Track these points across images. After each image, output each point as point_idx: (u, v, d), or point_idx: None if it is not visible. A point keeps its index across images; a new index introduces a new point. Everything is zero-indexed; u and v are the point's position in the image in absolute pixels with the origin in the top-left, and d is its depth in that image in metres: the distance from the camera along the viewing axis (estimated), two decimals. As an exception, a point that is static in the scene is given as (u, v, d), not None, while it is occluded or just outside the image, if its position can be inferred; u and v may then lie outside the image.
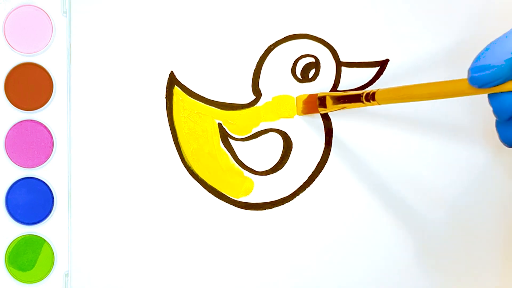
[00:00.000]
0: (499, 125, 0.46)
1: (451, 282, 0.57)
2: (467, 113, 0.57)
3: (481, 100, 0.48)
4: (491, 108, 0.45)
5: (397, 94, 0.48)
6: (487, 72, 0.43)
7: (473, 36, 0.57)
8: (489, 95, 0.45)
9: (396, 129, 0.57)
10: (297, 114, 0.56)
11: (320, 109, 0.55)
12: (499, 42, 0.43)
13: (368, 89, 0.52)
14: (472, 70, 0.44)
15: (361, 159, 0.57)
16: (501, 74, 0.43)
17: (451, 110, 0.57)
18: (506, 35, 0.43)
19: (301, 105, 0.56)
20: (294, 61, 0.56)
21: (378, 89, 0.50)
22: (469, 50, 0.56)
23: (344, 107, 0.53)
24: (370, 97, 0.50)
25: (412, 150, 0.57)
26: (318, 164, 0.57)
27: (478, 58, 0.44)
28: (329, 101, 0.54)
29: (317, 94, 0.55)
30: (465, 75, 0.46)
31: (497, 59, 0.43)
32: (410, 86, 0.48)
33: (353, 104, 0.52)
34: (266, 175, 0.56)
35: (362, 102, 0.51)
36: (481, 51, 0.44)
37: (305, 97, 0.56)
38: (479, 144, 0.57)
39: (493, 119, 0.46)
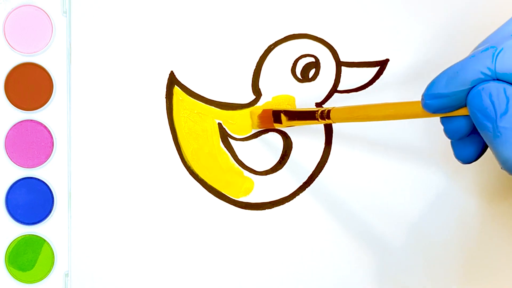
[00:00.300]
0: (453, 143, 0.46)
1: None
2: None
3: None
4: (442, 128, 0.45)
5: (352, 114, 0.48)
6: (440, 100, 0.42)
7: (475, 36, 0.57)
8: (441, 117, 0.45)
9: (396, 129, 0.57)
10: (253, 128, 0.56)
11: (275, 124, 0.54)
12: (456, 69, 0.42)
13: (324, 107, 0.52)
14: (425, 96, 0.43)
15: (361, 159, 0.57)
16: (454, 103, 0.42)
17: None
18: (465, 61, 0.42)
19: (256, 119, 0.55)
20: (294, 61, 0.56)
21: (333, 108, 0.49)
22: (470, 50, 0.56)
23: (299, 124, 0.53)
24: (326, 116, 0.50)
25: (413, 150, 0.57)
26: (318, 164, 0.57)
27: (431, 85, 0.43)
28: (283, 118, 0.53)
29: (271, 109, 0.55)
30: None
31: (451, 88, 0.42)
32: (364, 106, 0.47)
33: (308, 121, 0.52)
34: (266, 175, 0.56)
35: (317, 119, 0.51)
36: (436, 77, 0.43)
37: (260, 111, 0.55)
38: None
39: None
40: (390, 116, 0.46)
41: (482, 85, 0.41)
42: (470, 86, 0.41)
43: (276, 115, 0.54)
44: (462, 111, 0.43)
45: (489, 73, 0.41)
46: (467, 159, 0.45)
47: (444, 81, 0.42)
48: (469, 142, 0.45)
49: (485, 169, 0.57)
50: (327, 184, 0.57)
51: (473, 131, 0.44)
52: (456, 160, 0.45)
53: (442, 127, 0.44)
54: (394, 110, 0.45)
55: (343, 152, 0.57)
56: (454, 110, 0.43)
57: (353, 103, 0.56)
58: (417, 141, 0.57)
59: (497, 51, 0.41)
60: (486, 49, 0.41)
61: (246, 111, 0.56)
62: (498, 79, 0.41)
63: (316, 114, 0.51)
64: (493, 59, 0.41)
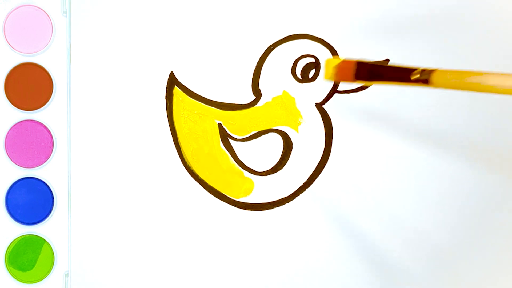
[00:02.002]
0: None
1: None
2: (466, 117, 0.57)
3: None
4: None
5: (462, 78, 0.41)
6: None
7: (476, 37, 0.57)
8: None
9: (396, 129, 0.57)
10: (325, 78, 0.52)
11: (357, 79, 0.48)
12: None
13: (423, 66, 0.45)
14: None
15: (361, 159, 0.57)
16: None
17: (446, 114, 0.57)
18: None
19: (330, 70, 0.51)
20: (294, 61, 0.56)
21: (437, 69, 0.44)
22: (471, 50, 0.56)
23: (386, 83, 0.47)
24: (425, 77, 0.44)
25: (412, 150, 0.57)
26: (318, 164, 0.57)
27: None
28: (370, 72, 0.47)
29: (354, 60, 0.49)
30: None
31: None
32: (478, 73, 0.41)
33: (399, 82, 0.45)
34: (266, 175, 0.56)
35: (411, 81, 0.44)
36: None
37: (338, 61, 0.50)
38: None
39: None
40: (506, 89, 0.40)
41: None
42: None
43: (361, 68, 0.48)
44: None
45: None
46: None
47: None
48: None
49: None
50: (327, 184, 0.57)
51: None
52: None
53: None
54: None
55: (343, 152, 0.57)
56: None
57: (353, 103, 0.56)
58: (417, 141, 0.57)
59: None
60: None
61: (246, 111, 0.56)
62: None
63: (413, 75, 0.44)
64: None
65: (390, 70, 0.46)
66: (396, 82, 0.45)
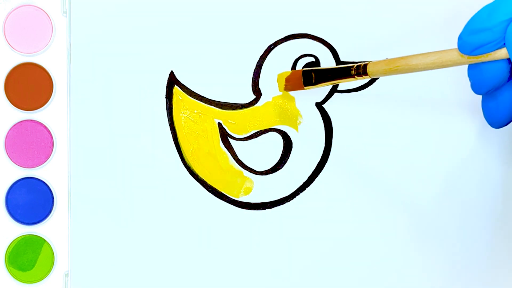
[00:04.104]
0: (484, 103, 0.45)
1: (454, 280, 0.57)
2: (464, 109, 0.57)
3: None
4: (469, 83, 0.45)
5: (390, 66, 0.48)
6: (480, 35, 0.42)
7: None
8: (469, 67, 0.44)
9: (396, 129, 0.57)
10: (279, 91, 0.55)
11: (306, 86, 0.53)
12: (497, 2, 0.42)
13: (359, 62, 0.52)
14: (463, 33, 0.43)
15: (361, 158, 0.57)
16: (493, 37, 0.42)
17: (448, 113, 0.57)
18: None
19: (283, 82, 0.55)
20: (294, 61, 0.56)
21: (369, 61, 0.50)
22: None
23: (332, 83, 0.53)
24: (362, 71, 0.50)
25: (412, 150, 0.57)
26: (318, 164, 0.57)
27: (472, 19, 0.43)
28: (314, 77, 0.53)
29: (300, 70, 0.54)
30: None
31: (493, 20, 0.42)
32: (403, 57, 0.48)
33: (342, 79, 0.51)
34: (266, 174, 0.56)
35: (353, 76, 0.50)
36: (476, 13, 0.43)
37: (288, 73, 0.55)
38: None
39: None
40: (428, 64, 0.46)
41: None
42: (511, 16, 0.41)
43: (306, 75, 0.53)
44: (499, 53, 0.42)
45: None
46: (498, 119, 0.45)
47: (486, 14, 0.42)
48: (501, 96, 0.44)
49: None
50: (327, 184, 0.57)
51: (507, 84, 0.43)
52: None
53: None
54: (432, 58, 0.45)
55: (343, 152, 0.57)
56: (491, 51, 0.42)
57: (353, 103, 0.56)
58: (417, 141, 0.57)
59: None
60: None
61: (246, 111, 0.56)
62: None
63: (352, 70, 0.50)
64: None
65: (332, 71, 0.51)
66: (341, 80, 0.51)
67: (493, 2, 0.42)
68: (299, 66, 0.56)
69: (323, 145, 0.57)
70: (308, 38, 0.56)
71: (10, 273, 0.55)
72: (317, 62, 0.56)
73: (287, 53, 0.56)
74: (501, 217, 0.57)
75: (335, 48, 0.56)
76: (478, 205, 0.57)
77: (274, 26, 0.56)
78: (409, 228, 0.57)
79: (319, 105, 0.56)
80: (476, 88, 0.44)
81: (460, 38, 0.43)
